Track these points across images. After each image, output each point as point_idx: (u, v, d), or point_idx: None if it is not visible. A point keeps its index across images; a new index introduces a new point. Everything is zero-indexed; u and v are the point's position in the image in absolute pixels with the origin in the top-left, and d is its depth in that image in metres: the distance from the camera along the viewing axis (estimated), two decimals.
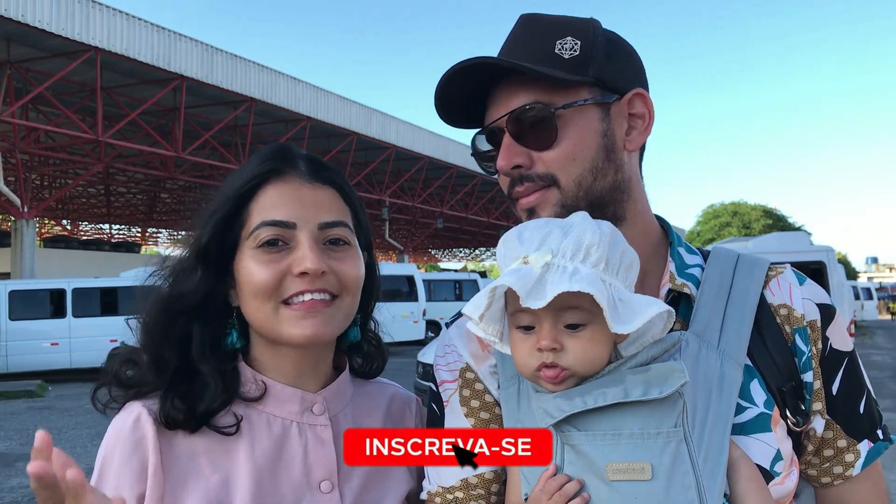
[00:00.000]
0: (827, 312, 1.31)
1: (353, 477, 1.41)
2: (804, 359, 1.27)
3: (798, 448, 1.27)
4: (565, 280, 1.06)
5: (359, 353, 1.58)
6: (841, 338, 1.31)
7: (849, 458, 1.27)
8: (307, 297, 1.32)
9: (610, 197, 1.31)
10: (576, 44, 1.28)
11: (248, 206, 1.36)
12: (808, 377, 1.27)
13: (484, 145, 1.37)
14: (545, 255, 1.10)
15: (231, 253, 1.37)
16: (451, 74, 1.28)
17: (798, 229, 49.86)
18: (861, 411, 1.29)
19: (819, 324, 1.29)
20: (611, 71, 1.30)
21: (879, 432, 1.29)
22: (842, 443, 1.27)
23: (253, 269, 1.33)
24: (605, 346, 1.13)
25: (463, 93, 1.33)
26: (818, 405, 1.26)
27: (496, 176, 1.36)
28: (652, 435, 1.08)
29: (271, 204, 1.35)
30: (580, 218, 1.17)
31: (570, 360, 1.11)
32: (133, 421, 1.32)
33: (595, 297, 1.05)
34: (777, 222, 55.40)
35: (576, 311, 1.11)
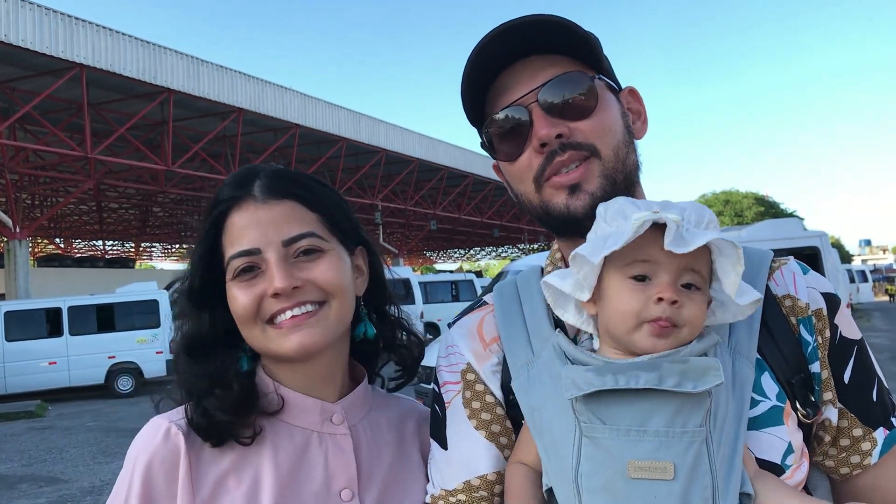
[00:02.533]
0: (832, 301, 1.29)
1: (373, 485, 1.42)
2: (810, 349, 1.25)
3: (811, 440, 1.25)
4: (710, 234, 1.08)
5: (387, 349, 1.59)
6: (849, 326, 1.29)
7: (865, 446, 1.24)
8: (288, 314, 1.34)
9: (634, 176, 1.33)
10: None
11: (221, 239, 1.39)
12: (815, 367, 1.25)
13: (503, 123, 1.32)
14: (675, 214, 1.09)
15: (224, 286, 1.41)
16: (495, 35, 1.27)
17: (791, 215, 50.02)
18: (874, 399, 1.26)
19: (825, 312, 1.27)
20: (608, 66, 1.35)
21: (894, 420, 1.26)
22: (857, 431, 1.24)
23: (234, 296, 1.36)
24: (704, 318, 1.15)
25: (483, 73, 1.32)
26: (828, 395, 1.25)
27: (515, 160, 1.32)
28: (678, 433, 1.07)
29: (236, 234, 1.37)
30: (688, 202, 1.18)
31: (685, 318, 1.11)
32: (164, 433, 1.33)
33: (739, 254, 1.09)
34: (769, 209, 55.57)
35: (696, 273, 1.12)
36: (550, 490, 1.17)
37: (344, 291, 1.39)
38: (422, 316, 26.67)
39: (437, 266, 78.20)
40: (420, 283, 28.67)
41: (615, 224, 1.14)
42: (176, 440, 1.32)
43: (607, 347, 1.18)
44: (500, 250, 70.41)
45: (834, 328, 1.27)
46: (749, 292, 1.14)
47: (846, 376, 1.26)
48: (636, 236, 1.09)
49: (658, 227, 1.09)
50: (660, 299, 1.10)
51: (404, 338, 1.59)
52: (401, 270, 29.47)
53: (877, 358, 1.31)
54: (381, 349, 1.58)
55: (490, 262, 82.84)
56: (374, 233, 39.07)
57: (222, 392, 1.35)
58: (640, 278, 1.12)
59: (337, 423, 1.43)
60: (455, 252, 74.30)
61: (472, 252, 74.80)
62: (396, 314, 1.59)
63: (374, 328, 1.52)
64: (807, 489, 1.28)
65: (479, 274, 39.89)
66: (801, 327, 1.26)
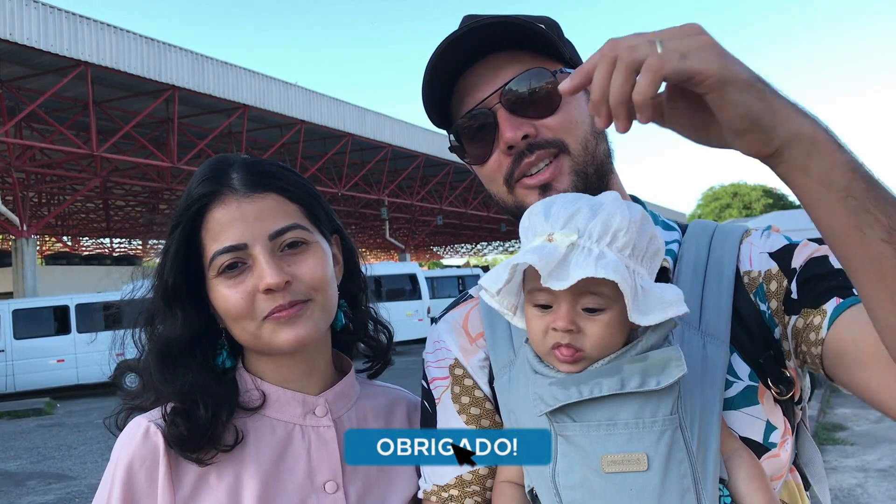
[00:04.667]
0: (784, 253, 1.26)
1: (358, 477, 1.41)
2: (767, 317, 1.24)
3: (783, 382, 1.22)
4: (591, 264, 1.02)
5: (359, 339, 1.59)
6: (803, 252, 1.24)
7: (816, 320, 1.17)
8: (283, 311, 1.32)
9: (606, 165, 1.31)
10: (541, 26, 1.29)
11: (200, 234, 1.36)
12: (777, 333, 1.23)
13: (469, 127, 1.32)
14: (571, 234, 1.06)
15: (203, 281, 1.38)
16: (451, 42, 1.25)
17: (798, 207, 49.89)
18: (824, 272, 1.18)
19: (776, 269, 1.24)
20: (570, 51, 1.34)
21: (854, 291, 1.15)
22: (815, 319, 1.17)
23: (223, 294, 1.34)
24: (621, 332, 1.10)
25: (443, 79, 1.31)
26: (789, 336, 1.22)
27: (484, 163, 1.33)
28: (648, 424, 1.06)
29: (218, 230, 1.33)
30: (611, 198, 1.12)
31: (586, 344, 1.09)
32: (143, 433, 1.33)
33: (619, 286, 1.02)
34: (777, 201, 55.52)
35: (596, 296, 1.07)
36: (533, 491, 1.17)
37: (328, 286, 1.37)
38: (428, 311, 26.71)
39: (444, 261, 78.31)
40: (427, 278, 28.72)
41: (526, 239, 1.13)
42: (155, 439, 1.31)
43: None
44: (507, 245, 70.51)
45: (791, 272, 1.22)
46: (660, 311, 1.05)
47: (794, 291, 1.21)
48: (510, 281, 1.10)
49: None
50: (555, 329, 1.09)
51: (371, 328, 1.59)
52: (407, 266, 29.51)
53: None
54: (355, 338, 1.57)
55: (497, 257, 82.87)
56: (381, 228, 39.11)
57: (198, 410, 1.32)
58: (544, 306, 1.11)
59: (320, 416, 1.41)
60: (462, 247, 74.39)
61: (479, 247, 74.89)
62: (366, 303, 1.58)
63: (344, 317, 1.51)
64: (797, 465, 1.28)
65: (485, 269, 39.92)
66: (757, 299, 1.24)
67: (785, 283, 1.23)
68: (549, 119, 1.26)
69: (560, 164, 1.26)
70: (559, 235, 1.06)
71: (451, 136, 1.36)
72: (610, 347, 1.10)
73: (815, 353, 1.19)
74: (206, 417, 1.32)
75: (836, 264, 1.19)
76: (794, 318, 1.21)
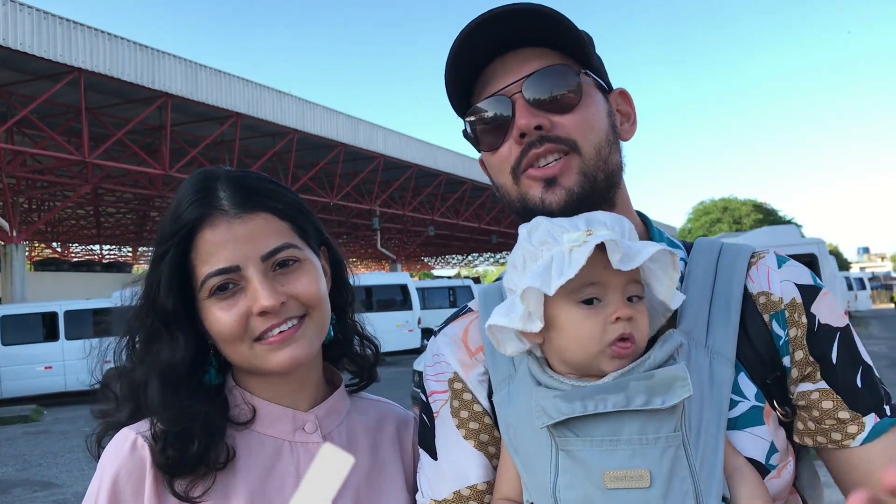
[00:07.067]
0: (808, 291, 1.27)
1: (347, 494, 1.39)
2: (781, 343, 1.23)
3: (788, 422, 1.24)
4: (648, 244, 1.07)
5: (346, 353, 1.57)
6: (830, 313, 1.26)
7: (852, 429, 1.20)
8: (276, 330, 1.32)
9: (616, 176, 1.31)
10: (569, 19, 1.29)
11: (191, 255, 1.34)
12: (786, 361, 1.23)
13: (486, 113, 1.31)
14: (608, 231, 1.10)
15: (193, 300, 1.37)
16: (480, 23, 1.24)
17: (789, 222, 50.07)
18: (858, 385, 1.22)
19: (800, 301, 1.25)
20: (599, 65, 1.34)
21: (887, 408, 1.22)
22: (843, 415, 1.21)
23: (216, 316, 1.33)
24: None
25: (467, 62, 1.30)
26: (808, 369, 1.23)
27: (496, 150, 1.31)
28: (651, 440, 1.06)
29: (210, 251, 1.32)
30: (602, 212, 1.18)
31: (640, 331, 1.11)
32: (131, 445, 1.31)
33: (675, 261, 1.11)
34: (767, 216, 55.71)
35: (638, 283, 1.12)
36: None
37: (323, 302, 1.37)
38: (419, 322, 26.69)
39: (435, 272, 78.24)
40: (418, 288, 28.72)
41: (545, 249, 1.11)
42: (142, 452, 1.30)
43: (563, 369, 1.16)
44: (497, 256, 70.48)
45: (811, 317, 1.24)
46: (675, 296, 1.15)
47: (834, 357, 1.23)
48: (580, 269, 1.05)
49: (596, 247, 1.07)
50: (617, 318, 1.08)
51: (357, 343, 1.58)
52: (398, 276, 29.48)
53: (875, 365, 1.28)
54: (341, 352, 1.56)
55: (488, 268, 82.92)
56: (372, 238, 39.05)
57: (192, 442, 1.30)
58: (590, 301, 1.10)
59: (310, 432, 1.41)
60: (453, 258, 74.31)
61: (469, 258, 74.82)
62: (352, 315, 1.56)
63: (333, 330, 1.49)
64: (797, 488, 1.27)
65: (476, 280, 39.94)
66: (774, 322, 1.24)
67: (805, 321, 1.24)
68: (566, 117, 1.26)
69: (570, 162, 1.25)
70: (596, 230, 1.10)
71: (467, 121, 1.35)
72: (647, 337, 1.13)
73: (820, 440, 1.22)
74: (198, 449, 1.30)
75: (862, 353, 1.25)
76: (818, 389, 1.22)
